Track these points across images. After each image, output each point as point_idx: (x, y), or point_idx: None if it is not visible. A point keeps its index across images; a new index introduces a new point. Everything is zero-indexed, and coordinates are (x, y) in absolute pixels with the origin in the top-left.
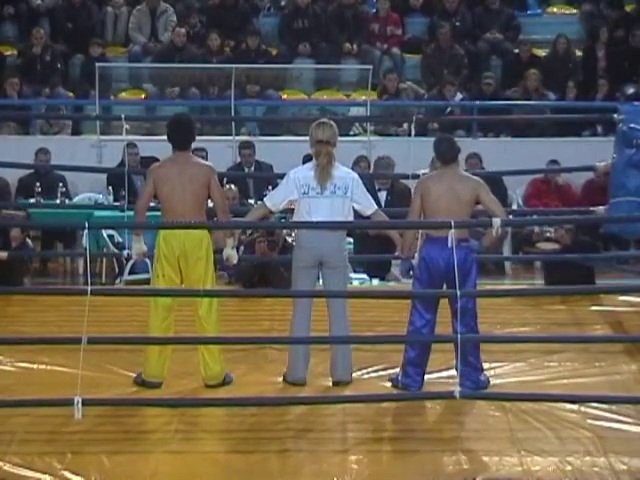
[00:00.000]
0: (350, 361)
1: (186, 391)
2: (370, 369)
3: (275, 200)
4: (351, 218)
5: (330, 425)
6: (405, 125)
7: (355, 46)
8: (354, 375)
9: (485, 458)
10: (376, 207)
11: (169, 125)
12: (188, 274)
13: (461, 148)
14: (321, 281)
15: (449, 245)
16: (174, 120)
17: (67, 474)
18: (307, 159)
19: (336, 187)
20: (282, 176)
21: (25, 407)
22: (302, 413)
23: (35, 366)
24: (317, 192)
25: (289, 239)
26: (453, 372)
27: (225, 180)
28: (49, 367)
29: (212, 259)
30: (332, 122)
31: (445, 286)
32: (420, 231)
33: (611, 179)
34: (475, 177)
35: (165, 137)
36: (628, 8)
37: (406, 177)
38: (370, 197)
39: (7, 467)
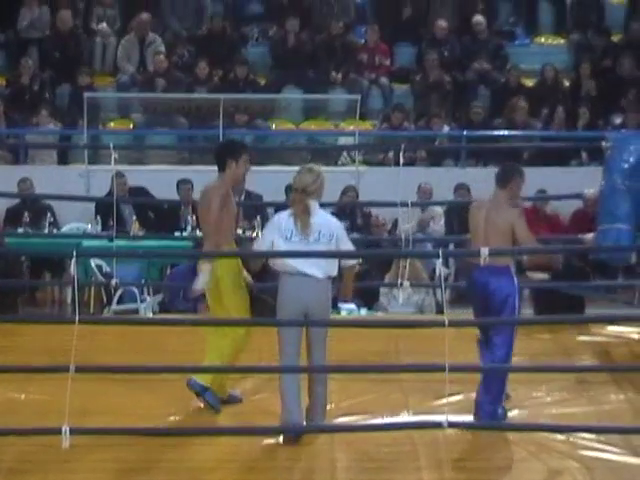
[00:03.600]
0: (325, 407)
1: (175, 422)
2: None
3: (263, 248)
4: (335, 265)
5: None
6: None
7: (343, 76)
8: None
9: None
10: (356, 262)
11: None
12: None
13: (456, 177)
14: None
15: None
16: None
17: None
18: (288, 189)
19: (320, 234)
20: (271, 205)
21: (13, 436)
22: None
23: (23, 396)
24: (300, 238)
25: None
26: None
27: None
28: (37, 396)
29: (230, 287)
30: (316, 168)
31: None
32: None
33: (599, 207)
34: (512, 209)
35: (153, 167)
36: (615, 38)
37: (395, 205)
38: (351, 247)
39: None
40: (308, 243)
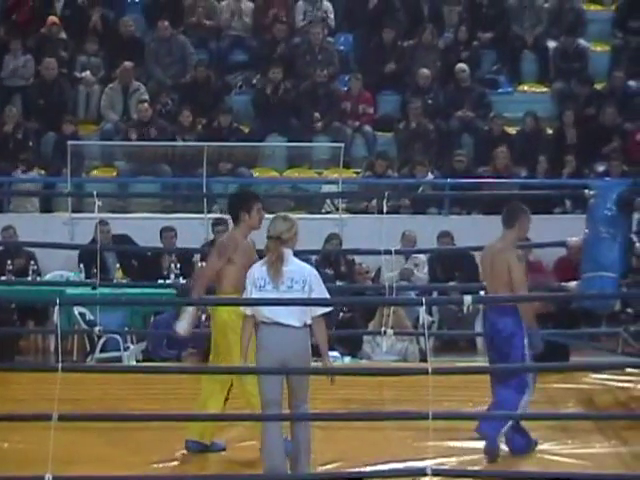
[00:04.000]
0: (309, 455)
1: (158, 469)
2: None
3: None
4: (310, 314)
5: None
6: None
7: (327, 124)
8: None
9: None
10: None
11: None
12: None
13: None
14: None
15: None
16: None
17: None
18: None
19: (293, 281)
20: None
21: None
22: None
23: (6, 444)
24: (273, 287)
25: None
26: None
27: (199, 257)
28: (21, 445)
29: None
30: (290, 217)
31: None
32: None
33: (583, 255)
34: (511, 252)
35: (137, 215)
36: (598, 86)
37: (378, 253)
38: (326, 295)
39: None
40: (279, 292)
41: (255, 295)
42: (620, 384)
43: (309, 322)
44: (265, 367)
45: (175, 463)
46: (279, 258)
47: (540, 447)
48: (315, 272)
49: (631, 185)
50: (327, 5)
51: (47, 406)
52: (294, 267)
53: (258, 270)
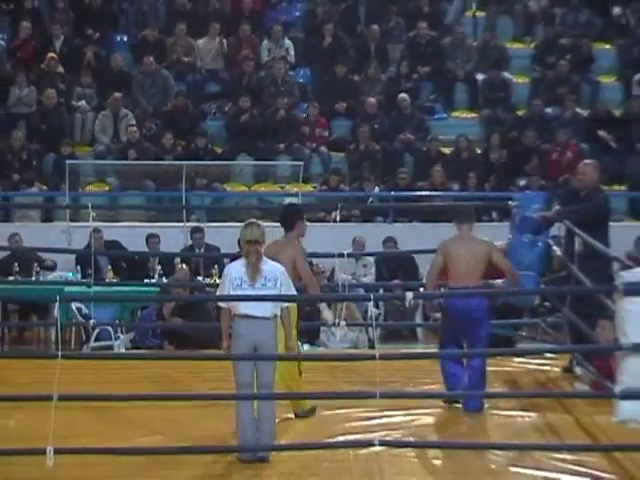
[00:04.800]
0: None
1: (146, 442)
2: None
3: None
4: (279, 306)
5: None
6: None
7: (288, 145)
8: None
9: None
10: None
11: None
12: None
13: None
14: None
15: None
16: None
17: None
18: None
19: (266, 279)
20: (228, 256)
21: (2, 456)
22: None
23: (12, 422)
24: (249, 284)
25: None
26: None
27: (179, 260)
28: (25, 422)
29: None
30: (259, 222)
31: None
32: None
33: (507, 257)
34: (488, 240)
35: (126, 223)
36: (520, 112)
37: (332, 256)
38: (293, 290)
39: None
40: (254, 289)
41: (232, 292)
42: (539, 367)
43: (278, 313)
44: (239, 353)
45: (159, 437)
46: (259, 258)
47: (471, 420)
48: (284, 270)
49: (548, 198)
50: (288, 44)
51: (48, 388)
52: (267, 267)
53: (236, 270)
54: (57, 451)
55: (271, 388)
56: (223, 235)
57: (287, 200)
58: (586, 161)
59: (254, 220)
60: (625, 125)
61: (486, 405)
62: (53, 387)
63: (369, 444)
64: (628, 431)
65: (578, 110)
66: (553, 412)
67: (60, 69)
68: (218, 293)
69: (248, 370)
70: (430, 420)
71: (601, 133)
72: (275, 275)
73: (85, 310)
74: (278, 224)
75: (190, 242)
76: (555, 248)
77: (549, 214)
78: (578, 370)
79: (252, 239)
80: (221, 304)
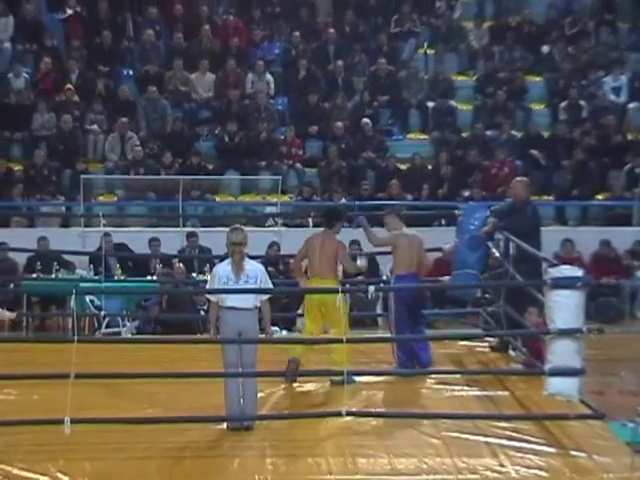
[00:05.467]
0: (256, 402)
1: (151, 413)
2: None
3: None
4: (259, 299)
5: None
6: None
7: (269, 162)
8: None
9: (363, 460)
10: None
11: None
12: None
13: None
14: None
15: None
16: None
17: (59, 475)
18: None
19: (248, 277)
20: (219, 256)
21: (27, 425)
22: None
23: (35, 396)
24: (234, 282)
25: None
26: None
27: (177, 260)
28: (45, 397)
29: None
30: (242, 227)
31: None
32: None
33: (454, 257)
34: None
35: (132, 229)
36: (464, 134)
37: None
38: (270, 286)
39: (15, 471)
40: (238, 284)
41: (220, 288)
42: (480, 349)
43: (258, 305)
44: (226, 337)
45: (160, 409)
46: (243, 258)
47: (424, 393)
48: (263, 269)
49: (488, 207)
50: (269, 77)
51: (66, 367)
52: (250, 266)
53: (222, 268)
54: (73, 421)
55: (253, 367)
56: (214, 239)
57: (268, 209)
58: (517, 179)
59: (238, 225)
60: (552, 145)
61: (436, 381)
62: (70, 367)
63: (337, 414)
64: (555, 403)
65: (513, 132)
66: (492, 387)
67: (75, 98)
68: (209, 286)
69: (234, 352)
70: (390, 394)
71: (532, 152)
72: (256, 273)
73: (97, 302)
74: (260, 228)
75: (186, 244)
76: (494, 250)
77: (489, 229)
78: (512, 352)
79: (236, 241)
80: (210, 298)
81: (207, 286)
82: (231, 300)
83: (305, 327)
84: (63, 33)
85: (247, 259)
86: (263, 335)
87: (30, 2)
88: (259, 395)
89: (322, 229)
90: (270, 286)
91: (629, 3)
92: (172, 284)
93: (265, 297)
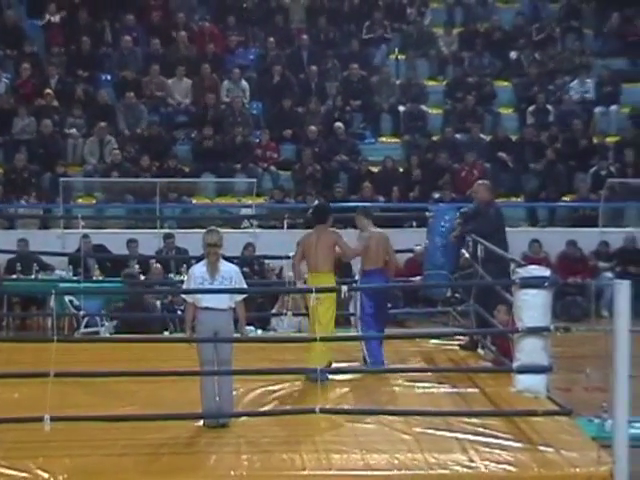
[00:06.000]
0: (232, 399)
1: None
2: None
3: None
4: (234, 300)
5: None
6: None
7: (244, 165)
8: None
9: (336, 455)
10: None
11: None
12: None
13: None
14: None
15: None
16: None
17: (39, 472)
18: None
19: (223, 278)
20: (195, 257)
21: (7, 423)
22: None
23: (16, 395)
24: (209, 282)
25: None
26: None
27: (154, 260)
28: (26, 395)
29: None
30: (218, 229)
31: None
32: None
33: (425, 258)
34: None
35: (110, 230)
36: (435, 138)
37: (281, 258)
38: (245, 286)
39: None
40: (213, 285)
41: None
42: (450, 348)
43: (233, 305)
44: (202, 337)
45: (138, 406)
46: (218, 259)
47: (396, 390)
48: (238, 270)
49: (458, 209)
50: (244, 84)
51: (46, 366)
52: (224, 267)
53: (198, 269)
54: (53, 419)
55: (229, 365)
56: (191, 240)
57: (243, 211)
58: (479, 182)
59: (214, 227)
60: (520, 148)
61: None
62: (50, 366)
63: (311, 411)
64: (523, 399)
65: (482, 136)
66: (462, 384)
67: (55, 103)
68: (185, 286)
69: (209, 351)
70: (363, 391)
71: (501, 154)
72: (231, 274)
73: (76, 302)
74: (236, 230)
75: (163, 246)
76: (463, 251)
77: (457, 234)
78: (481, 351)
79: (212, 243)
80: (186, 298)
81: (183, 287)
82: (206, 300)
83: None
84: (43, 39)
85: (222, 260)
86: (238, 335)
87: (10, 8)
88: (235, 393)
89: (314, 227)
90: (245, 287)
91: (594, 10)
92: (135, 285)
93: (240, 298)
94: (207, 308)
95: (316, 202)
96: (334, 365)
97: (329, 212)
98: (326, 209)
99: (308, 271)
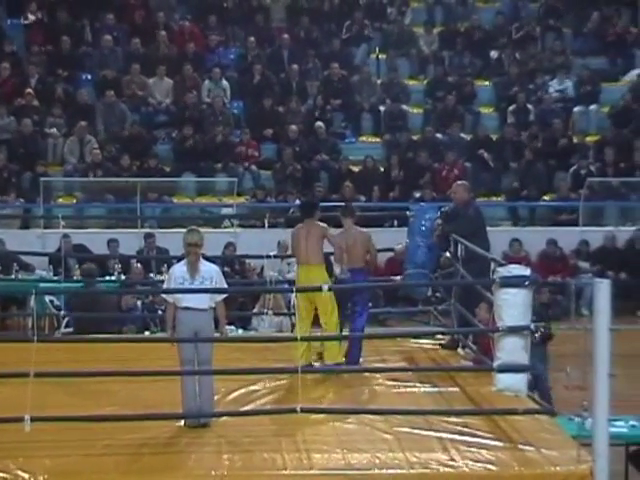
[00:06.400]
0: (213, 399)
1: (110, 411)
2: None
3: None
4: (214, 300)
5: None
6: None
7: (225, 164)
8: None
9: (317, 455)
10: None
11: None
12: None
13: None
14: None
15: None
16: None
17: (19, 472)
18: None
19: (204, 278)
20: (176, 257)
21: None
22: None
23: None
24: (189, 282)
25: None
26: None
27: (135, 260)
28: (5, 395)
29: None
30: (198, 229)
31: None
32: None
33: (405, 257)
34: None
35: (90, 230)
36: (415, 137)
37: (262, 257)
38: (225, 286)
39: None
40: (194, 285)
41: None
42: (431, 346)
43: (213, 305)
44: (182, 337)
45: (119, 406)
46: (198, 259)
47: (377, 389)
48: (218, 270)
49: (439, 209)
50: (225, 84)
51: (26, 366)
52: (204, 267)
53: (179, 270)
54: (33, 419)
55: (209, 365)
56: (171, 239)
57: (224, 210)
58: (457, 182)
59: (194, 227)
60: (501, 147)
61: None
62: (30, 366)
63: (292, 410)
64: (504, 398)
65: (462, 135)
66: (443, 383)
67: (35, 102)
68: (165, 286)
69: (190, 351)
70: (344, 391)
71: (482, 152)
72: (211, 274)
73: (57, 302)
74: (217, 229)
75: (144, 245)
76: (447, 253)
77: (439, 234)
78: (461, 350)
79: (192, 242)
80: (167, 298)
81: (164, 286)
82: (187, 300)
83: (297, 326)
84: (23, 38)
85: (202, 260)
86: (218, 334)
87: None
88: (215, 392)
89: (303, 222)
90: (225, 287)
91: (573, 9)
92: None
93: (220, 298)
94: (187, 308)
95: (294, 201)
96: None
97: (316, 206)
98: (313, 203)
99: (298, 264)
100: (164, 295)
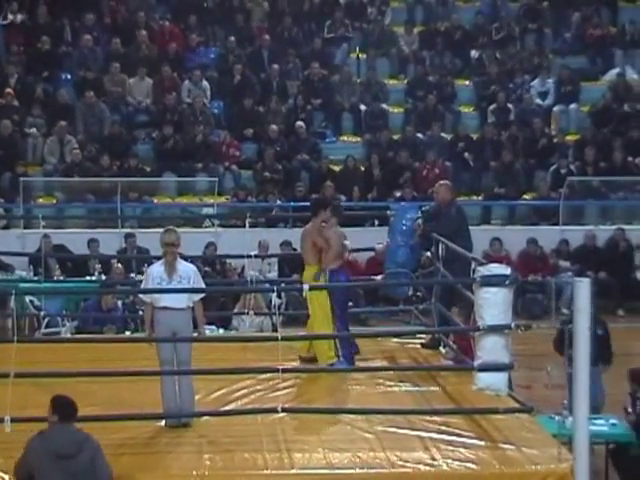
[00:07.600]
0: (193, 399)
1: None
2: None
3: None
4: (192, 299)
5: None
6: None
7: (205, 164)
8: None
9: (298, 454)
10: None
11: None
12: None
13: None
14: None
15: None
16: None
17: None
18: None
19: (181, 277)
20: (157, 257)
21: None
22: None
23: None
24: (167, 282)
25: None
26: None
27: (116, 260)
28: None
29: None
30: (175, 229)
31: None
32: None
33: (386, 256)
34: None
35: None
36: (395, 137)
37: (243, 257)
38: (203, 285)
39: None
40: (171, 284)
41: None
42: (411, 345)
43: (191, 305)
44: (161, 337)
45: (100, 407)
46: (175, 259)
47: (358, 389)
48: (196, 269)
49: (419, 208)
50: (205, 84)
51: (6, 367)
52: (182, 266)
53: (156, 270)
54: (14, 420)
55: (189, 365)
56: (152, 239)
57: (204, 210)
58: (440, 182)
59: (171, 227)
60: (481, 146)
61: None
62: (10, 366)
63: (273, 410)
64: (485, 397)
65: (443, 134)
66: (424, 383)
67: (15, 102)
68: (143, 286)
69: (168, 351)
70: (325, 390)
71: (461, 148)
72: (189, 274)
73: (37, 302)
74: (197, 229)
75: (124, 245)
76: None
77: (420, 233)
78: (442, 349)
79: (169, 242)
80: (144, 298)
81: (141, 286)
82: (164, 300)
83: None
84: (2, 38)
85: (180, 260)
86: (196, 334)
87: None
88: (196, 392)
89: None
90: (202, 286)
91: (553, 9)
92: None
93: (197, 298)
94: (165, 308)
95: (275, 201)
96: (293, 364)
97: (319, 206)
98: (320, 203)
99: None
100: (141, 295)
